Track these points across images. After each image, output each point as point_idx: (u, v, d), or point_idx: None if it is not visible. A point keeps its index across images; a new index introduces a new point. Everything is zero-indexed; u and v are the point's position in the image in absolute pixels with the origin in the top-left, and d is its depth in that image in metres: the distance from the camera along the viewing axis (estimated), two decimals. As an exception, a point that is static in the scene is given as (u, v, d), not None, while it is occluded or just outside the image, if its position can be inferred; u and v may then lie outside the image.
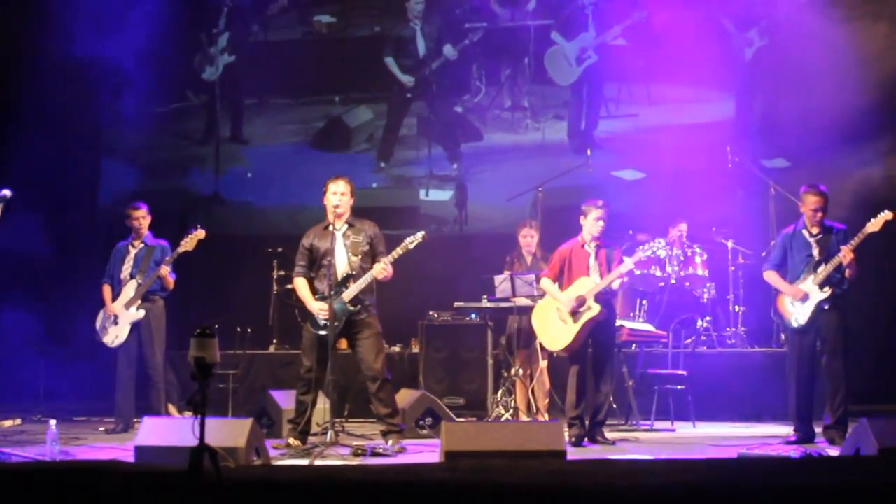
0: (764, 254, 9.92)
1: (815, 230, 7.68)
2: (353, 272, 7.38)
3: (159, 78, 12.14)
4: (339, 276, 7.40)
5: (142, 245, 8.88)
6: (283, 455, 7.00)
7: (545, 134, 11.99)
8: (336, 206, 7.45)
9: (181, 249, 8.64)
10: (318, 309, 7.36)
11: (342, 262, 7.44)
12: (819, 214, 7.63)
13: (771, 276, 7.91)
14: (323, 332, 7.32)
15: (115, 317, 8.74)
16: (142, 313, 8.70)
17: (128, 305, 8.70)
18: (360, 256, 7.43)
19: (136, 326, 8.71)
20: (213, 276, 11.11)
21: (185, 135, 12.71)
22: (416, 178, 12.24)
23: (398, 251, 7.34)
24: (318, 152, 12.41)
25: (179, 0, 12.00)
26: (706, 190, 10.60)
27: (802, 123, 10.76)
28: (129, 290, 8.74)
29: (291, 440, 7.35)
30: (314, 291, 7.49)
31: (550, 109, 12.03)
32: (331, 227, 7.49)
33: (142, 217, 8.90)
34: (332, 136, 12.43)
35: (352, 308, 7.36)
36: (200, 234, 8.68)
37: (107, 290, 8.86)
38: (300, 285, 7.58)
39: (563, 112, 12.02)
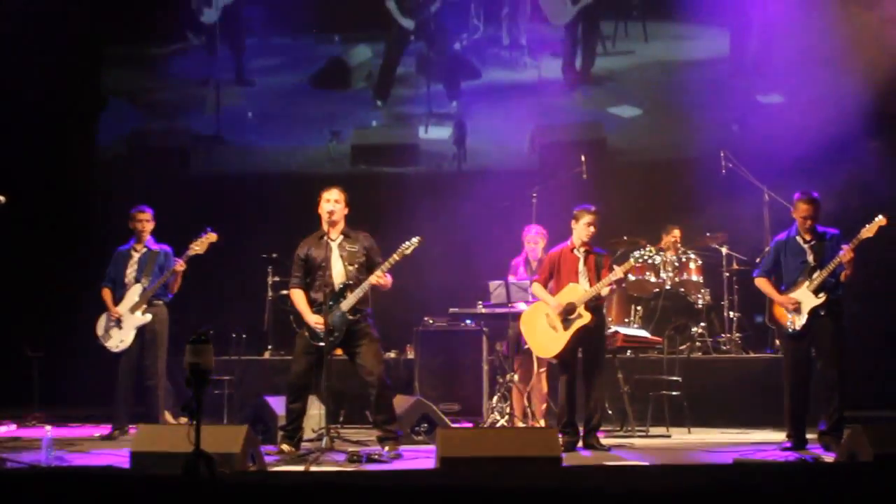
0: (759, 259, 9.94)
1: (808, 236, 7.69)
2: (350, 282, 7.38)
3: (158, 18, 12.19)
4: (336, 287, 7.40)
5: (144, 249, 8.76)
6: (277, 461, 6.99)
7: (541, 71, 12.10)
8: (330, 213, 7.45)
9: (191, 252, 8.52)
10: (315, 322, 7.35)
11: (338, 272, 7.44)
12: (808, 222, 7.65)
13: (762, 284, 7.92)
14: (322, 344, 7.31)
15: (119, 321, 8.62)
16: (148, 317, 8.59)
17: (133, 310, 8.59)
18: (356, 266, 7.43)
19: (140, 332, 8.61)
20: (208, 280, 11.12)
21: (185, 75, 12.70)
22: (414, 115, 12.34)
23: (394, 257, 7.33)
24: (317, 91, 12.49)
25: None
26: (700, 195, 10.64)
27: (797, 59, 10.84)
28: (134, 294, 8.63)
29: (284, 447, 7.34)
30: (311, 302, 7.49)
31: (548, 47, 12.16)
32: (326, 238, 7.49)
33: (146, 220, 8.79)
34: (331, 75, 12.49)
35: (350, 318, 7.36)
36: (212, 237, 8.54)
37: (108, 294, 8.72)
38: (297, 297, 7.57)
39: (559, 49, 12.16)
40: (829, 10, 10.72)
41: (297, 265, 7.61)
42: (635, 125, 11.70)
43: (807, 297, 7.58)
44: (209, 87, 12.57)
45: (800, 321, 7.60)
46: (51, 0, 11.46)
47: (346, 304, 7.35)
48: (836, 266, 7.47)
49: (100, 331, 8.70)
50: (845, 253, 7.40)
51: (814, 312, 7.55)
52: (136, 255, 8.77)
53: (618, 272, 7.78)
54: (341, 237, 7.54)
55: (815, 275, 7.56)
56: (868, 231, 7.45)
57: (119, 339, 8.61)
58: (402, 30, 12.28)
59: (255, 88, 12.52)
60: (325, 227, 7.50)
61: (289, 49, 12.59)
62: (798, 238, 7.73)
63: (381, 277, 7.32)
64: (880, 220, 7.46)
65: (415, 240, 7.37)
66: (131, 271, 8.72)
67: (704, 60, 11.64)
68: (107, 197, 11.33)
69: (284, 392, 7.68)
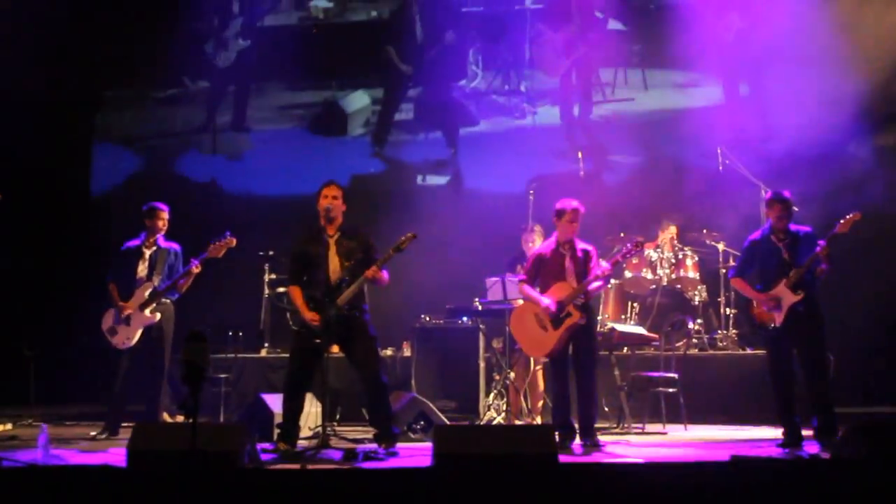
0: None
1: (781, 235, 7.71)
2: (347, 278, 7.37)
3: (155, 65, 12.17)
4: (332, 282, 7.40)
5: (155, 247, 8.66)
6: (274, 459, 6.99)
7: (538, 119, 12.04)
8: (328, 210, 7.45)
9: (209, 255, 8.44)
10: (311, 319, 7.34)
11: (335, 269, 7.43)
12: (781, 222, 7.67)
13: (738, 284, 7.94)
14: (318, 341, 7.30)
15: (129, 317, 8.46)
16: (157, 316, 8.47)
17: (142, 307, 8.47)
18: (352, 262, 7.41)
19: (147, 330, 8.48)
20: (205, 278, 11.12)
21: (181, 121, 12.68)
22: (412, 163, 12.26)
23: (389, 252, 7.33)
24: (315, 137, 12.47)
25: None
26: (697, 192, 10.65)
27: (793, 105, 10.82)
28: (144, 291, 8.48)
29: (281, 444, 7.33)
30: (307, 298, 7.47)
31: (546, 94, 12.08)
32: (323, 234, 7.48)
33: (167, 218, 8.68)
34: (329, 121, 12.47)
35: (346, 314, 7.35)
36: (231, 241, 8.46)
37: (115, 289, 8.55)
38: (295, 294, 7.55)
39: (558, 97, 12.08)
40: (839, 10, 10.67)
41: (295, 262, 7.60)
42: (634, 172, 11.59)
43: (785, 294, 7.59)
44: (206, 134, 12.57)
45: (779, 318, 7.61)
46: (51, 47, 11.45)
47: (341, 300, 7.34)
48: (812, 262, 7.50)
49: (106, 326, 8.52)
50: (822, 249, 7.42)
51: (792, 309, 7.56)
52: (147, 252, 8.63)
53: (605, 267, 7.78)
54: (339, 234, 7.53)
55: (791, 272, 7.57)
56: (843, 227, 7.48)
57: (125, 336, 8.45)
58: (400, 75, 12.24)
59: (251, 134, 12.55)
60: (322, 223, 7.50)
61: (285, 95, 12.59)
62: (772, 237, 7.74)
63: (376, 272, 7.31)
64: (854, 215, 7.49)
65: (408, 235, 7.37)
66: (143, 268, 8.58)
67: (704, 108, 11.51)
68: (105, 224, 11.35)
69: (281, 390, 7.68)
